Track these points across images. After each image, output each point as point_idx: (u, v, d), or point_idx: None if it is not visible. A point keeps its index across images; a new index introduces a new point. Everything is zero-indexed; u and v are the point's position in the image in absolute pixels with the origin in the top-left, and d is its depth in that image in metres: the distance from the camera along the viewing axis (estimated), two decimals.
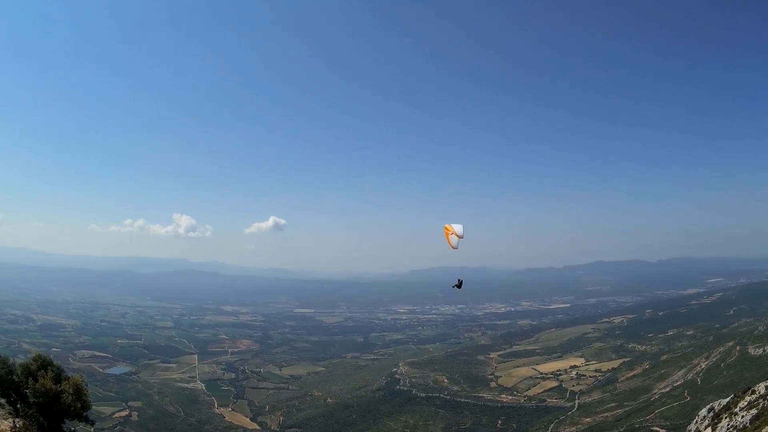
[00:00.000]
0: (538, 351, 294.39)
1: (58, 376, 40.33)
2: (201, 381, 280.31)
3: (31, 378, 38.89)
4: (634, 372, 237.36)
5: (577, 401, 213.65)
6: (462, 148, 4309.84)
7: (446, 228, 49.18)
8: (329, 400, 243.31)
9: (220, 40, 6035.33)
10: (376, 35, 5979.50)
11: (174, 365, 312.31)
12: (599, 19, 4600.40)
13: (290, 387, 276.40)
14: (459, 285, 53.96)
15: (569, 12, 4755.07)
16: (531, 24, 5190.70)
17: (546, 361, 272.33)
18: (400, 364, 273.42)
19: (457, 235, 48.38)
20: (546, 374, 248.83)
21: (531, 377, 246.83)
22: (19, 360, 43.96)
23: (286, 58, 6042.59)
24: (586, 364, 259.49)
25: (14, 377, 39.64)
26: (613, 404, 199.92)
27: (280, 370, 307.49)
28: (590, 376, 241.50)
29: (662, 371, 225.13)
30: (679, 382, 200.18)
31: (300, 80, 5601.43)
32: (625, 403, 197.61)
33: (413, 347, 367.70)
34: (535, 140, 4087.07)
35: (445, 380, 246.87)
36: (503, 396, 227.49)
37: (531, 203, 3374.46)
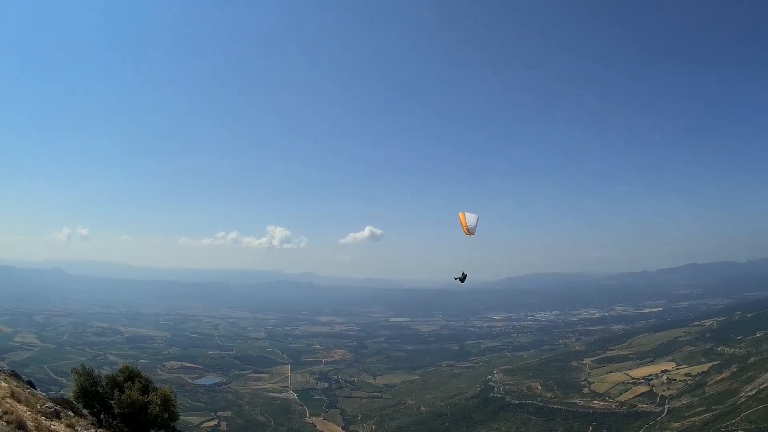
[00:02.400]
0: (630, 356, 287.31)
1: (146, 387, 40.03)
2: (293, 391, 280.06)
3: (117, 389, 38.73)
4: (723, 375, 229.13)
5: (666, 406, 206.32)
6: (555, 153, 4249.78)
7: (460, 216, 49.54)
8: (423, 408, 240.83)
9: (315, 57, 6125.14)
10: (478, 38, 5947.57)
11: (266, 375, 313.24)
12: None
13: (384, 396, 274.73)
14: (462, 279, 53.06)
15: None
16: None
17: (638, 366, 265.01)
18: (495, 372, 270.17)
19: (466, 230, 48.83)
20: (638, 379, 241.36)
21: (623, 382, 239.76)
22: (105, 371, 44.43)
23: (386, 65, 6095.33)
24: (676, 368, 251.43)
25: (99, 388, 39.78)
26: (701, 408, 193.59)
27: (374, 380, 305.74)
28: (680, 381, 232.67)
29: (749, 374, 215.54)
30: (765, 385, 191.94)
31: (395, 87, 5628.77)
32: (713, 407, 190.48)
33: (508, 354, 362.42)
34: (630, 145, 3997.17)
35: (539, 387, 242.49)
36: (595, 402, 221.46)
37: (625, 209, 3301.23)
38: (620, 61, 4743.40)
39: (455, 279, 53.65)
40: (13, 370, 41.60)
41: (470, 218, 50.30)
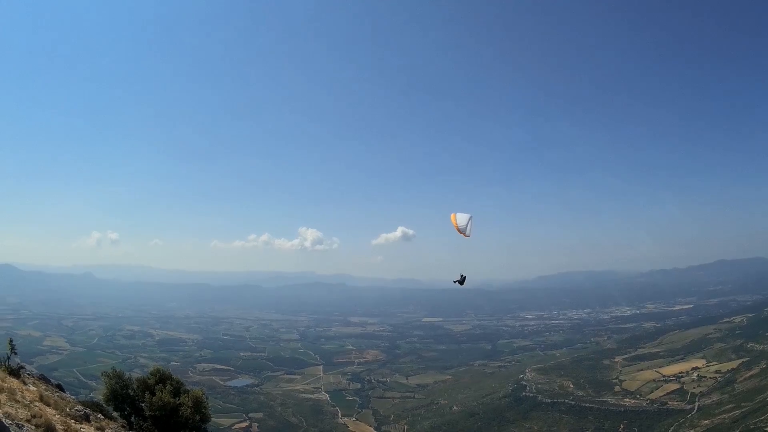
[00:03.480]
0: (661, 353, 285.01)
1: (177, 390, 40.23)
2: (325, 392, 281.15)
3: (148, 392, 38.94)
4: (752, 372, 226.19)
5: (697, 403, 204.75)
6: (585, 154, 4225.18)
7: (452, 217, 49.07)
8: (455, 408, 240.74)
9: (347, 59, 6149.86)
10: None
11: (298, 377, 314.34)
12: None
13: (416, 396, 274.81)
14: (461, 281, 52.64)
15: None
16: None
17: (669, 363, 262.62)
18: (527, 371, 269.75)
19: (458, 229, 48.39)
20: (668, 377, 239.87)
21: (654, 380, 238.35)
22: (136, 374, 44.16)
23: (417, 65, 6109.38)
24: (707, 366, 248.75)
25: (130, 391, 39.95)
26: (730, 405, 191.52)
27: (407, 380, 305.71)
28: (710, 378, 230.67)
29: None
30: None
31: (428, 87, 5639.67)
32: (742, 403, 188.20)
33: (540, 353, 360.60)
34: (659, 143, 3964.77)
35: (571, 385, 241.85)
36: (626, 400, 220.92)
37: (654, 206, 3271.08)
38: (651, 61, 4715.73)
39: (454, 282, 53.45)
40: (41, 374, 41.45)
41: (461, 218, 49.98)
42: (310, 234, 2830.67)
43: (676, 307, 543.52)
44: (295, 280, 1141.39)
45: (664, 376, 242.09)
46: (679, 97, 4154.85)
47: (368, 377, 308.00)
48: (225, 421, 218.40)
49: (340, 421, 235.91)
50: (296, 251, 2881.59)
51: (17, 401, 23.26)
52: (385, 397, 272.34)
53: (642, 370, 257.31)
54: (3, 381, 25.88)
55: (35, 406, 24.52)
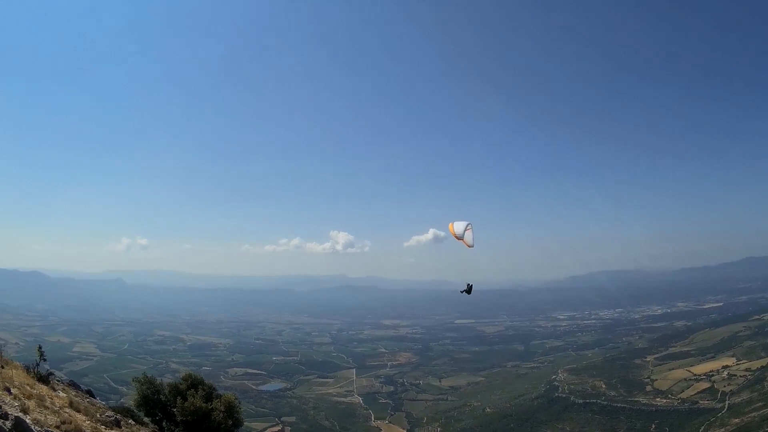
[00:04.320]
0: (692, 352, 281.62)
1: (209, 395, 40.67)
2: (358, 395, 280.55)
3: (179, 397, 39.00)
4: None
5: (727, 402, 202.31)
6: (616, 152, 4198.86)
7: (450, 227, 48.70)
8: (488, 409, 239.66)
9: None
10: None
11: (331, 380, 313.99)
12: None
13: (449, 398, 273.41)
14: (468, 290, 51.74)
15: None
16: None
17: (699, 362, 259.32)
18: (559, 371, 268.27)
19: (456, 236, 47.88)
20: (699, 375, 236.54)
21: (685, 379, 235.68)
22: (167, 380, 44.85)
23: (450, 67, 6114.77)
24: (737, 364, 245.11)
25: (161, 396, 40.15)
26: (760, 404, 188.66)
27: (440, 382, 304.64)
28: (740, 376, 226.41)
29: None
30: None
31: (458, 90, 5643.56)
32: None
33: (572, 353, 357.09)
34: (689, 141, 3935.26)
35: (603, 386, 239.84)
36: (658, 399, 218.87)
37: (684, 204, 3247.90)
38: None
39: (461, 292, 52.75)
40: (71, 380, 41.62)
41: (458, 226, 49.40)
42: (341, 237, 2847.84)
43: (706, 305, 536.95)
44: (326, 284, 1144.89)
45: (694, 375, 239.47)
46: (714, 90, 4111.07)
47: (401, 380, 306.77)
48: (257, 426, 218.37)
49: (373, 424, 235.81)
50: (328, 254, 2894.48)
51: (46, 407, 23.13)
52: (418, 400, 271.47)
53: (673, 369, 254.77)
54: (32, 387, 25.83)
55: (65, 412, 24.43)
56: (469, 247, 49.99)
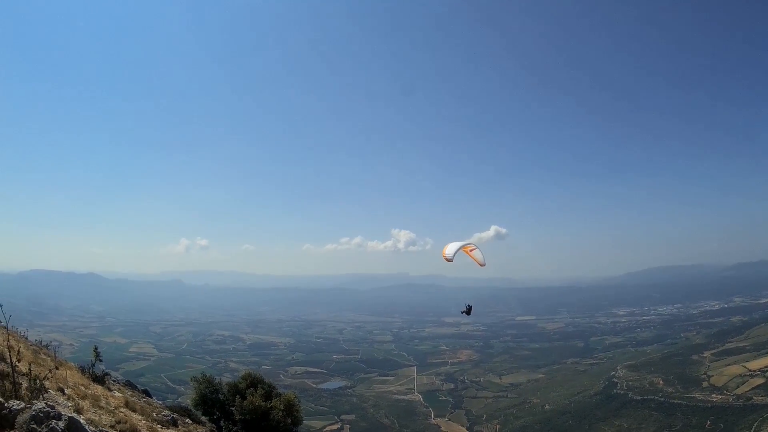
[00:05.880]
0: (747, 348, 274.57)
1: (269, 393, 40.63)
2: (418, 392, 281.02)
3: (238, 396, 39.26)
4: None
5: None
6: (674, 151, 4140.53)
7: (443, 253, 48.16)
8: (547, 406, 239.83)
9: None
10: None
11: (391, 378, 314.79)
12: None
13: (509, 395, 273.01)
14: (468, 311, 53.24)
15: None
16: None
17: (755, 357, 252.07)
18: (618, 368, 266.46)
19: (446, 258, 47.73)
20: (754, 371, 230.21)
21: (740, 375, 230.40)
22: (226, 379, 45.40)
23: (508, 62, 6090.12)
24: None
25: (220, 396, 40.48)
26: None
27: (500, 379, 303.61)
28: None
29: None
30: None
31: (524, 87, 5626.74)
32: None
33: (631, 350, 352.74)
34: (744, 136, 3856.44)
35: (660, 382, 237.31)
36: (713, 395, 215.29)
37: (740, 199, 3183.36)
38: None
39: (461, 312, 54.77)
40: (127, 380, 42.06)
41: (449, 249, 49.13)
42: (403, 235, 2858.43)
43: (762, 300, 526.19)
44: (388, 282, 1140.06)
45: (750, 370, 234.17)
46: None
47: (461, 377, 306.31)
48: (316, 424, 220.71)
49: (433, 421, 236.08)
50: (389, 253, 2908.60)
51: (101, 407, 23.19)
52: (478, 397, 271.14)
53: (729, 365, 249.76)
54: (86, 388, 26.08)
55: (120, 411, 24.60)
56: (481, 266, 50.46)
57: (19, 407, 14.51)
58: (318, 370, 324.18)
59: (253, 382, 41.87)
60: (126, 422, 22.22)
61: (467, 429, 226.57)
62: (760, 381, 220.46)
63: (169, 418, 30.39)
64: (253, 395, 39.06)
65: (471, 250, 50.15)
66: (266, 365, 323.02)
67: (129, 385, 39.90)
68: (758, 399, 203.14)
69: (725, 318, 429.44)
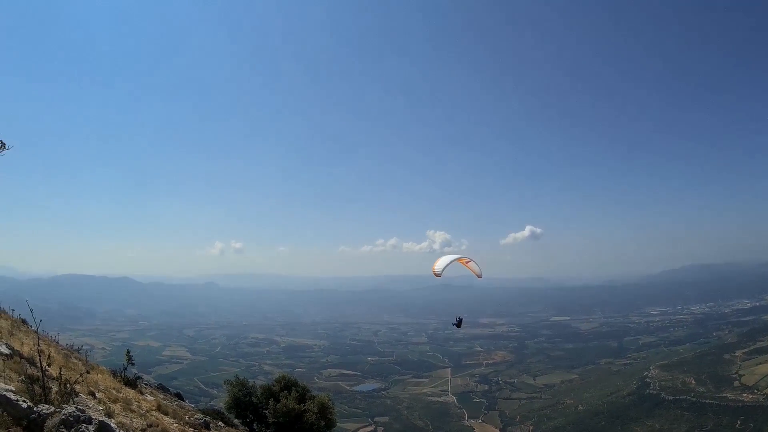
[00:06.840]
0: None
1: (303, 396, 40.67)
2: (453, 394, 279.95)
3: (272, 398, 39.27)
4: None
5: None
6: (708, 148, 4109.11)
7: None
8: (580, 407, 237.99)
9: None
10: None
11: (426, 380, 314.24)
12: None
13: (543, 396, 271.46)
14: (458, 324, 52.94)
15: None
16: None
17: None
18: (651, 368, 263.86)
19: (435, 273, 48.12)
20: None
21: None
22: (260, 382, 45.73)
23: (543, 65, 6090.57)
24: None
25: (253, 398, 40.47)
26: None
27: (534, 380, 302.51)
28: None
29: None
30: None
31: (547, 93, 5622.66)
32: None
33: (664, 349, 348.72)
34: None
35: (693, 382, 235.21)
36: (744, 395, 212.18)
37: None
38: None
39: (452, 324, 54.02)
40: (160, 383, 42.49)
41: (438, 265, 49.94)
42: (438, 236, 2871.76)
43: None
44: (423, 283, 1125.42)
45: None
46: None
47: (496, 378, 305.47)
48: (350, 426, 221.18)
49: (466, 423, 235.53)
50: (425, 254, 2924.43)
51: (132, 411, 23.18)
52: (512, 398, 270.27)
53: (760, 363, 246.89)
54: (118, 391, 26.04)
55: (152, 415, 24.63)
56: (479, 278, 51.65)
57: (49, 411, 14.52)
58: (352, 373, 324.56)
59: (287, 384, 41.91)
60: (158, 425, 22.16)
61: (500, 430, 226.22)
62: None
63: (201, 421, 30.40)
64: (286, 398, 39.12)
65: (467, 263, 50.98)
66: (300, 368, 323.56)
67: (161, 388, 40.02)
68: None
69: (757, 316, 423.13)
